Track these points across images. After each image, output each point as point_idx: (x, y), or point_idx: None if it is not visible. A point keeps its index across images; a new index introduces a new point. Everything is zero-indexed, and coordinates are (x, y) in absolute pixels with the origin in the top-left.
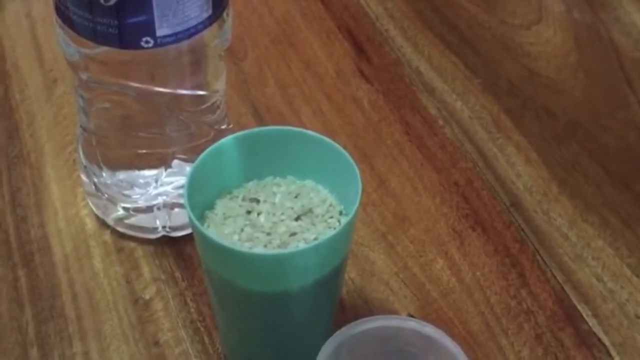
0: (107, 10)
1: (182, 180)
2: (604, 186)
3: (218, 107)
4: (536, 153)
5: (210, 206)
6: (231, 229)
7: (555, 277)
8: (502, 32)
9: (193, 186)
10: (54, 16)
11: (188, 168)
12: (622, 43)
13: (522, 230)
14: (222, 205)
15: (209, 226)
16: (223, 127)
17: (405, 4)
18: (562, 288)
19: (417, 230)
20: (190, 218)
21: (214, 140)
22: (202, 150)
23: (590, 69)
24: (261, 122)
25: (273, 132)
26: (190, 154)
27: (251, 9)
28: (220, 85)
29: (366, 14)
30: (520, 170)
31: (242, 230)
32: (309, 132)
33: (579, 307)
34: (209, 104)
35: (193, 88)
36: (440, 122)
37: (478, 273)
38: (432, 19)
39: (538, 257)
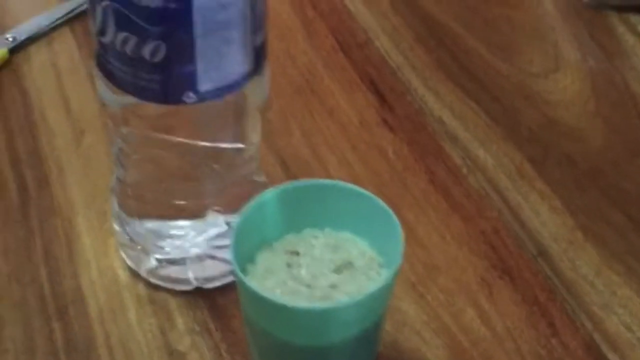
0: (151, 66)
1: (215, 231)
2: (627, 233)
3: (253, 158)
4: (559, 201)
5: (251, 259)
6: (273, 282)
7: (584, 325)
8: (521, 80)
9: (237, 240)
10: (93, 68)
11: (221, 219)
12: (638, 90)
13: (550, 279)
14: (263, 259)
15: (251, 279)
16: (257, 178)
17: (425, 54)
18: (592, 337)
19: (446, 280)
20: (236, 273)
21: (248, 191)
22: (236, 202)
23: (608, 116)
24: (288, 171)
25: (311, 185)
26: (224, 206)
27: (274, 60)
28: (257, 137)
29: (387, 64)
30: (544, 218)
31: (283, 283)
32: (346, 184)
33: (609, 356)
34: (245, 155)
35: (232, 141)
36: (465, 171)
37: (508, 322)
38: (452, 68)
39: (567, 306)
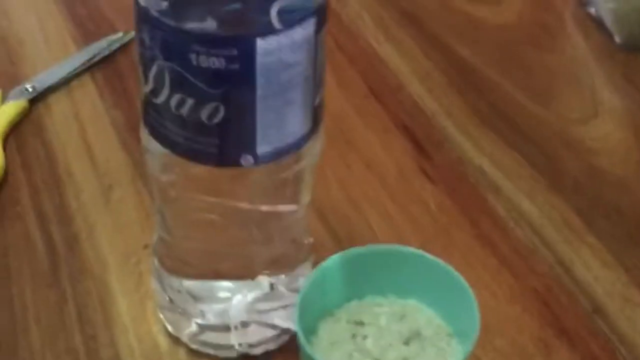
0: (208, 128)
1: (259, 293)
2: None
3: (303, 218)
4: (611, 255)
5: (313, 329)
6: (339, 355)
7: None
8: (561, 127)
9: (301, 311)
10: (140, 129)
11: (266, 281)
12: None
13: (609, 338)
14: (325, 329)
15: (316, 352)
16: (305, 240)
17: (460, 100)
18: None
19: (502, 341)
20: (303, 346)
21: (294, 252)
22: (282, 263)
23: None
24: (329, 226)
25: (373, 250)
26: (272, 268)
27: None
28: (309, 196)
29: (422, 111)
30: (597, 273)
31: (350, 356)
32: (409, 249)
33: None
34: (297, 216)
35: (286, 202)
36: (511, 224)
37: None
38: (489, 115)
39: None
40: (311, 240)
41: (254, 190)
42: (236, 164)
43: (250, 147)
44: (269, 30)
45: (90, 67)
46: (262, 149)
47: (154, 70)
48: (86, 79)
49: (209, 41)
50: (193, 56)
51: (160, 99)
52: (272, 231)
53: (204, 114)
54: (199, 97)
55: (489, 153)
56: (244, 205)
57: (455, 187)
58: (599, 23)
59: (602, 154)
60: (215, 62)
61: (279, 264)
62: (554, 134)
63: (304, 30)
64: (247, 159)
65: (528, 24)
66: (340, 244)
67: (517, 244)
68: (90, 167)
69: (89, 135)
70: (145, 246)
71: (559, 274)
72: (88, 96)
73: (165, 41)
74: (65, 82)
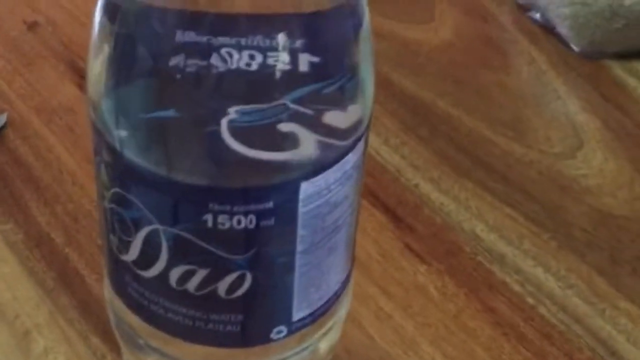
0: (227, 304)
1: None
2: None
3: None
4: None
5: None
6: None
7: None
8: (547, 167)
9: None
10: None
11: None
12: None
13: None
14: None
15: None
16: None
17: (421, 146)
18: None
19: None
20: None
21: None
22: None
23: None
24: None
25: None
26: None
27: None
28: None
29: (384, 169)
30: None
31: None
32: None
33: None
34: None
35: None
36: (530, 301)
37: None
38: (460, 161)
39: None
40: None
41: None
42: (265, 340)
43: (285, 317)
44: (317, 169)
45: None
46: (298, 315)
47: (140, 236)
48: None
49: (231, 196)
50: (209, 217)
51: (152, 273)
52: None
53: (222, 287)
54: (215, 267)
55: (477, 211)
56: None
57: (452, 264)
58: (547, 30)
59: (602, 193)
60: (242, 222)
61: None
62: (541, 175)
63: (355, 156)
64: (280, 332)
65: (469, 39)
66: None
67: (546, 327)
68: None
69: None
70: None
71: (603, 356)
72: None
73: (163, 201)
74: None
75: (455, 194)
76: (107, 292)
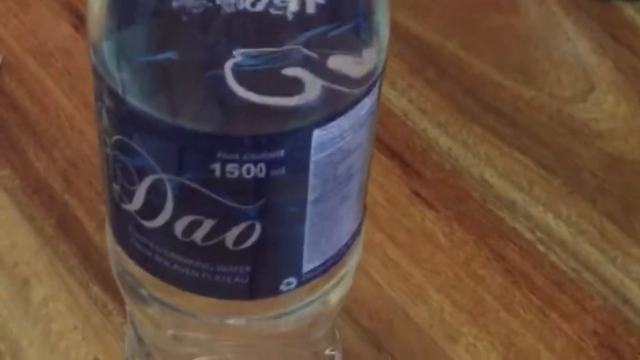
0: (235, 256)
1: None
2: None
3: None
4: None
5: None
6: None
7: None
8: (557, 110)
9: None
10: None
11: None
12: None
13: None
14: None
15: None
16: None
17: (429, 90)
18: None
19: None
20: None
21: None
22: None
23: None
24: None
25: None
26: None
27: None
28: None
29: (391, 113)
30: None
31: None
32: None
33: None
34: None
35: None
36: (541, 248)
37: None
38: (468, 105)
39: None
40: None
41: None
42: (273, 292)
43: (295, 268)
44: (330, 116)
45: None
46: (308, 266)
47: (144, 185)
48: None
49: (240, 144)
50: (217, 166)
51: (157, 223)
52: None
53: (229, 238)
54: (223, 217)
55: (486, 157)
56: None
57: (461, 210)
58: None
59: (613, 136)
60: (252, 170)
61: None
62: (552, 120)
63: (370, 101)
64: (289, 283)
65: None
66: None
67: (556, 274)
68: None
69: None
70: None
71: (615, 304)
72: None
73: (168, 149)
74: None
75: (464, 139)
76: (109, 241)
